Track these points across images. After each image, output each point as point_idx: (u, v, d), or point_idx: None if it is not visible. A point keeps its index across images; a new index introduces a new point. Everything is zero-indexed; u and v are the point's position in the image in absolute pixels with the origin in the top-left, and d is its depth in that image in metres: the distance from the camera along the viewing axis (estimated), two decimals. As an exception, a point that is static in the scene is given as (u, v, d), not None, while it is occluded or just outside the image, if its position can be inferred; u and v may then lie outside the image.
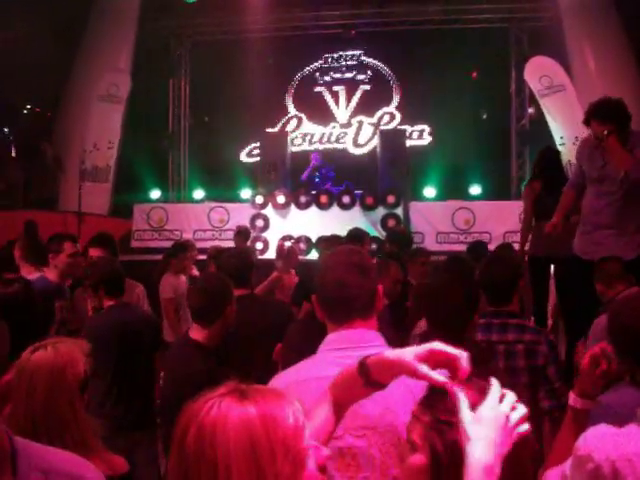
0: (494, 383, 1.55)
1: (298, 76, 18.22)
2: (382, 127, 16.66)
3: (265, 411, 1.41)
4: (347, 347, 2.32)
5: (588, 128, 5.82)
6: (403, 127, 16.52)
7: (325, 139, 17.23)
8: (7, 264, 5.61)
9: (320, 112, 17.62)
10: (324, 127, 17.51)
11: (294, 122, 17.61)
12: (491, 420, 1.50)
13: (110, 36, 15.31)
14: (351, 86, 18.11)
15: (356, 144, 17.19)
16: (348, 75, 18.18)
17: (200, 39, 17.08)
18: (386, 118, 17.48)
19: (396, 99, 17.81)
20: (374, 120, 17.30)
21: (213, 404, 1.41)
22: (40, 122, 16.01)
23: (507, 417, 1.51)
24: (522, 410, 1.54)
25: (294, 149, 15.94)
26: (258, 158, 15.32)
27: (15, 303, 3.63)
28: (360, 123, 17.46)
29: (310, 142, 17.15)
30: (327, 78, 18.24)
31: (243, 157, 17.08)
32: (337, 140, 17.32)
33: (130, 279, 5.76)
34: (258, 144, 15.58)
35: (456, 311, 3.36)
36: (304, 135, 17.21)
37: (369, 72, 18.16)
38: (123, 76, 15.49)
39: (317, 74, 18.38)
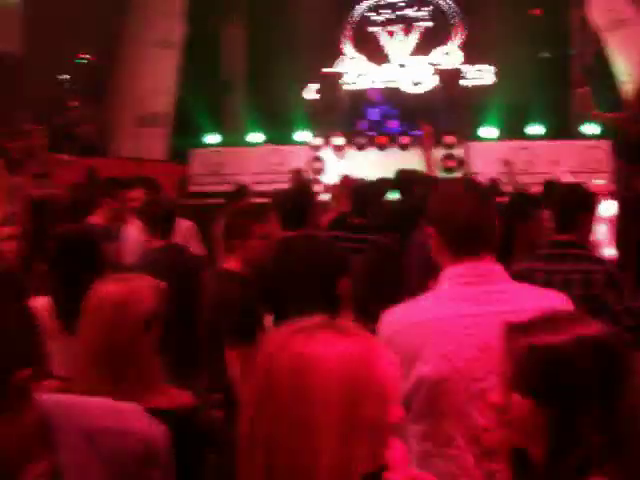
0: None
1: (353, 16, 17.80)
2: (442, 67, 16.25)
3: (367, 352, 1.28)
4: (475, 282, 2.20)
5: None
6: (463, 66, 16.22)
7: (379, 78, 16.72)
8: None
9: (375, 53, 17.26)
10: (378, 66, 17.07)
11: (349, 62, 17.24)
12: None
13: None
14: (409, 24, 17.52)
15: (413, 83, 16.78)
16: (406, 12, 17.44)
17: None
18: (445, 57, 16.96)
19: (458, 37, 17.23)
20: (432, 59, 16.79)
21: (309, 335, 1.28)
22: (97, 72, 16.03)
23: None
24: None
25: (347, 87, 15.56)
26: (316, 98, 15.18)
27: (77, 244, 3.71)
28: (417, 62, 17.00)
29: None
30: (382, 17, 17.68)
31: (306, 95, 16.62)
32: (392, 80, 16.82)
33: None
34: (315, 86, 15.44)
35: None
36: (358, 75, 16.71)
37: (430, 8, 17.48)
38: (177, 20, 15.39)
39: (372, 13, 17.81)
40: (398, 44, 17.37)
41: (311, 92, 16.18)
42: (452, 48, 17.01)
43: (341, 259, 4.52)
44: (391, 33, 17.43)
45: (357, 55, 17.35)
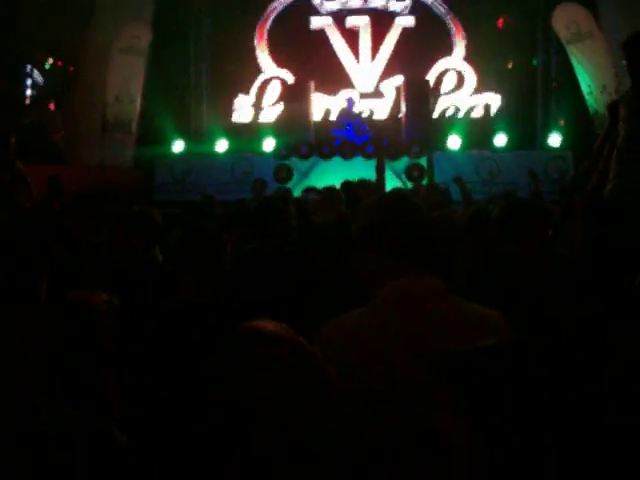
0: None
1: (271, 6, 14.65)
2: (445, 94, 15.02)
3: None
4: (407, 301, 2.09)
5: None
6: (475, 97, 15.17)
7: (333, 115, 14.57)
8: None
9: (325, 71, 14.81)
10: (332, 95, 14.88)
11: (273, 89, 15.10)
12: None
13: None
14: (380, 20, 14.54)
15: (393, 117, 14.89)
16: (375, 4, 14.29)
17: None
18: (451, 79, 15.18)
19: (460, 47, 15.23)
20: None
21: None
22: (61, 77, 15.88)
23: None
24: None
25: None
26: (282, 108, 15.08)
27: None
28: (399, 91, 14.54)
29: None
30: (333, 5, 14.25)
31: (266, 106, 15.59)
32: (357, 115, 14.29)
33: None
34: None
35: None
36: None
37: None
38: (144, 27, 15.30)
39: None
40: (364, 55, 15.09)
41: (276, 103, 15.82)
42: (456, 63, 15.14)
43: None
44: (351, 36, 14.88)
45: (280, 73, 14.95)
